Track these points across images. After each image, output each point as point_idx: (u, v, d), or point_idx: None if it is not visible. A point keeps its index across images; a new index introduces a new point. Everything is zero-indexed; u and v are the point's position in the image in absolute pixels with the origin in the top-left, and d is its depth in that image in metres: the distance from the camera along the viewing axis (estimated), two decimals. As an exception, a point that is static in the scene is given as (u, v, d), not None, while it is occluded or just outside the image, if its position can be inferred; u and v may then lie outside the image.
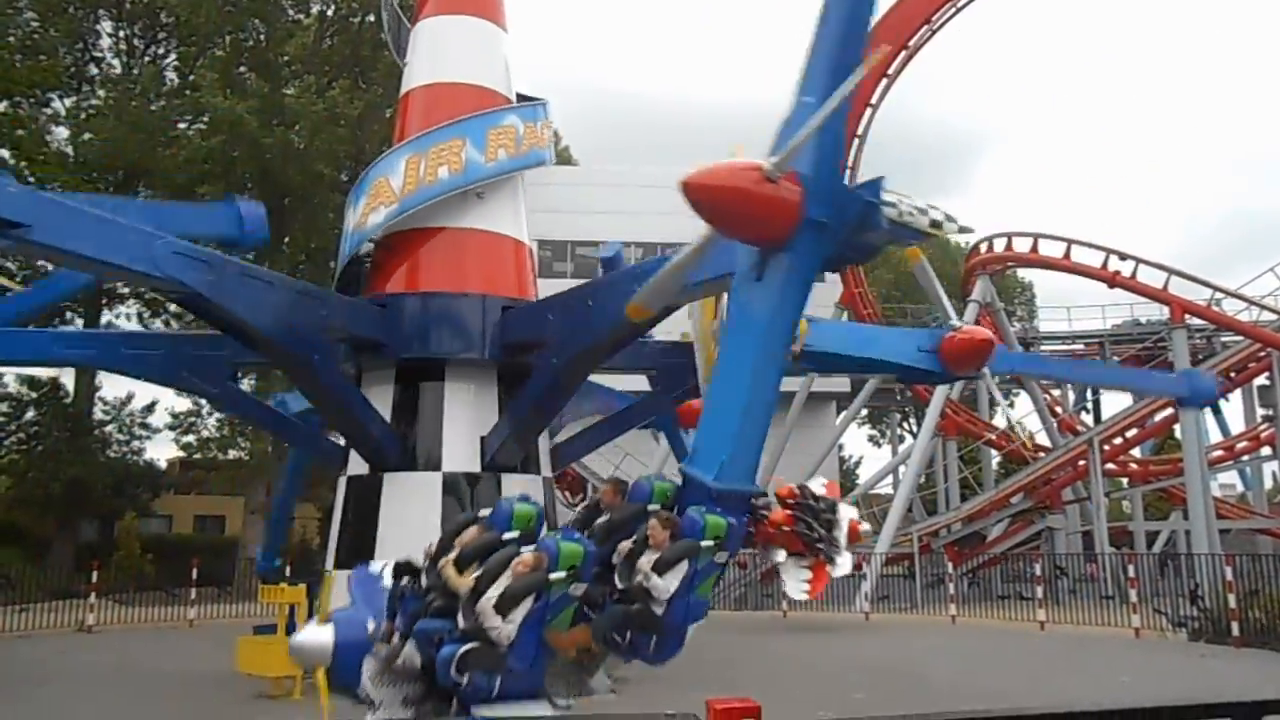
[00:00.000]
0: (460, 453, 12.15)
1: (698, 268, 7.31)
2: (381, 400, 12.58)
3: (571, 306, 11.40)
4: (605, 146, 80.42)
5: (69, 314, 30.22)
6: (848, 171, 29.73)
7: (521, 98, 13.75)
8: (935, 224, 6.63)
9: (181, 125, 30.47)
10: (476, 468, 12.17)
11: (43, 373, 29.89)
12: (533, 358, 12.63)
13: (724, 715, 1.70)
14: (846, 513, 8.99)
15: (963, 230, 7.10)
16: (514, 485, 12.45)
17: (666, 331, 16.68)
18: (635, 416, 15.26)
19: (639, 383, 15.37)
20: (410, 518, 11.96)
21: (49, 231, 8.36)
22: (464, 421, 12.29)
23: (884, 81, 29.05)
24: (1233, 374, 29.10)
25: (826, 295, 32.03)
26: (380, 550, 11.94)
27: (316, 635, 6.06)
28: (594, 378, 15.35)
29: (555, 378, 11.47)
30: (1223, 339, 30.65)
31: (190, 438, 34.15)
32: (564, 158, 51.21)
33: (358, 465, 12.56)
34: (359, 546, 12.21)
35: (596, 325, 10.74)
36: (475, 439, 12.24)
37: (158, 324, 31.24)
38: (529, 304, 12.60)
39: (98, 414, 33.27)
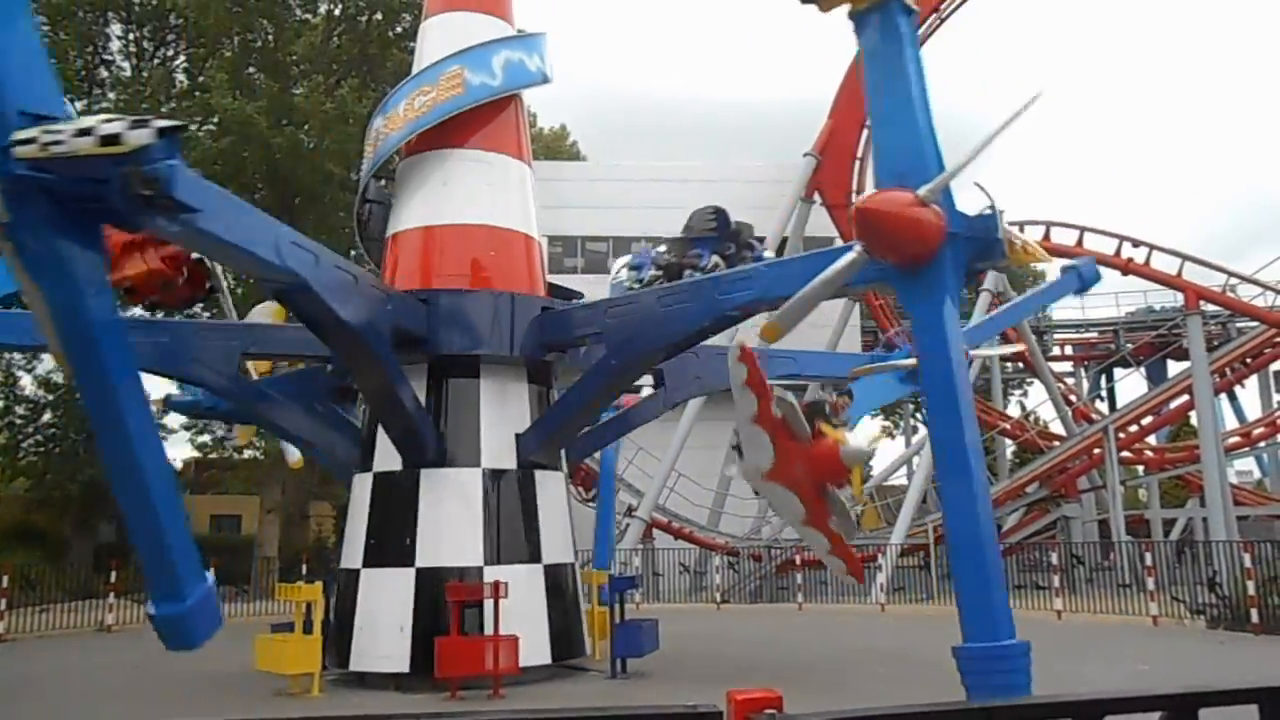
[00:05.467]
0: (497, 449, 12.38)
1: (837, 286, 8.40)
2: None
3: (638, 309, 11.72)
4: (615, 142, 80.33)
5: None
6: (856, 163, 29.66)
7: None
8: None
9: (192, 126, 30.59)
10: (511, 464, 12.40)
11: (60, 375, 30.11)
12: (572, 358, 13.26)
13: (745, 706, 1.70)
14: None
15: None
16: (549, 481, 12.77)
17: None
18: (642, 416, 14.99)
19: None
20: (446, 513, 12.08)
21: (214, 219, 7.66)
22: (498, 418, 12.49)
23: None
24: (1249, 360, 28.93)
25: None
26: (420, 544, 11.97)
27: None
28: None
29: (611, 378, 11.87)
30: (1238, 325, 30.46)
31: (205, 438, 34.37)
32: (573, 153, 51.18)
33: (386, 461, 12.47)
34: (395, 541, 12.17)
35: (670, 329, 11.18)
36: (508, 435, 12.48)
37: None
38: (578, 304, 12.92)
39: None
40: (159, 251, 10.54)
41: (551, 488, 12.93)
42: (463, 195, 12.92)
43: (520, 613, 11.36)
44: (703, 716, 1.63)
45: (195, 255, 11.03)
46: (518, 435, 12.48)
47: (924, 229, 7.74)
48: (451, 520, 11.97)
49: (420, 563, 11.83)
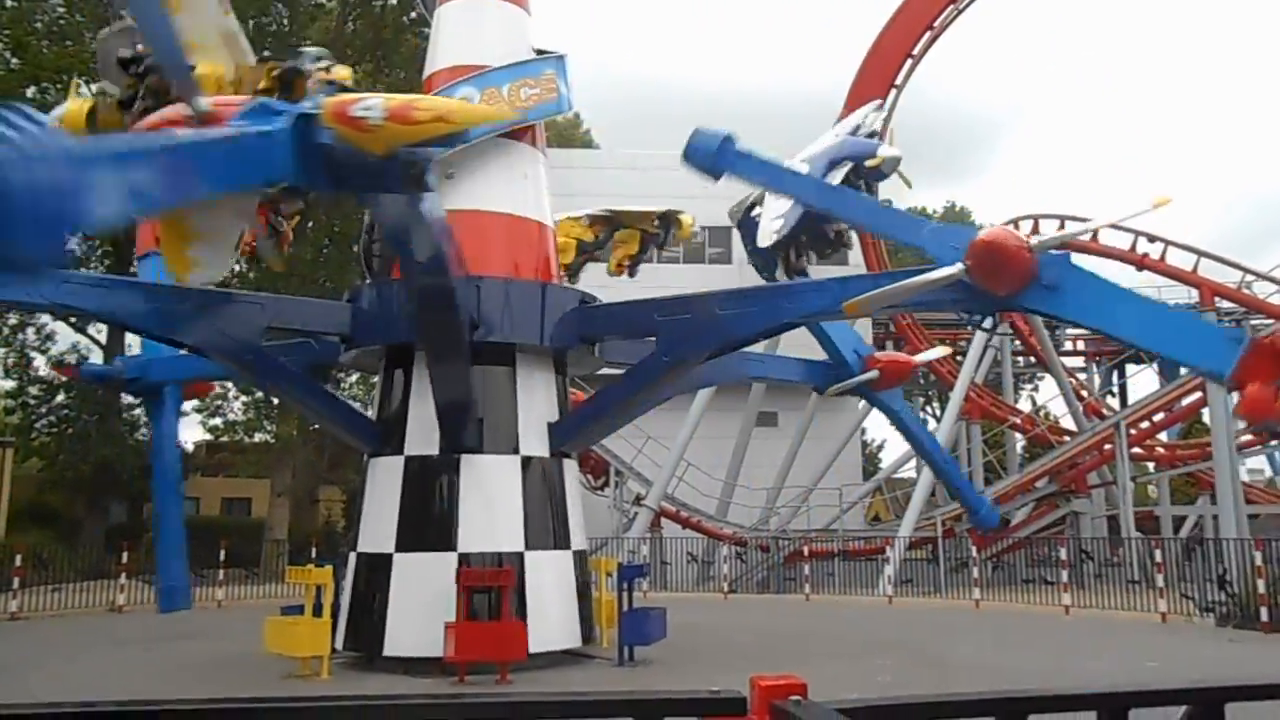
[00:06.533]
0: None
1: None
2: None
3: (699, 309, 11.87)
4: (627, 130, 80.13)
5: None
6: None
7: (539, 52, 13.88)
8: None
9: (206, 110, 30.59)
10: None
11: (72, 358, 30.25)
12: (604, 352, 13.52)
13: (770, 692, 1.69)
14: None
15: None
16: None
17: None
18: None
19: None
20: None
21: None
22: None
23: (908, 63, 28.72)
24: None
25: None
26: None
27: None
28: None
29: (661, 374, 12.10)
30: (1253, 322, 30.25)
31: (217, 421, 34.51)
32: (585, 141, 51.09)
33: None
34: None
35: (728, 332, 11.63)
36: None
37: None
38: (629, 302, 12.87)
39: (126, 398, 33.54)
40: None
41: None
42: (535, 190, 13.33)
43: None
44: (726, 702, 1.63)
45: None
46: (550, 425, 12.77)
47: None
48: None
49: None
